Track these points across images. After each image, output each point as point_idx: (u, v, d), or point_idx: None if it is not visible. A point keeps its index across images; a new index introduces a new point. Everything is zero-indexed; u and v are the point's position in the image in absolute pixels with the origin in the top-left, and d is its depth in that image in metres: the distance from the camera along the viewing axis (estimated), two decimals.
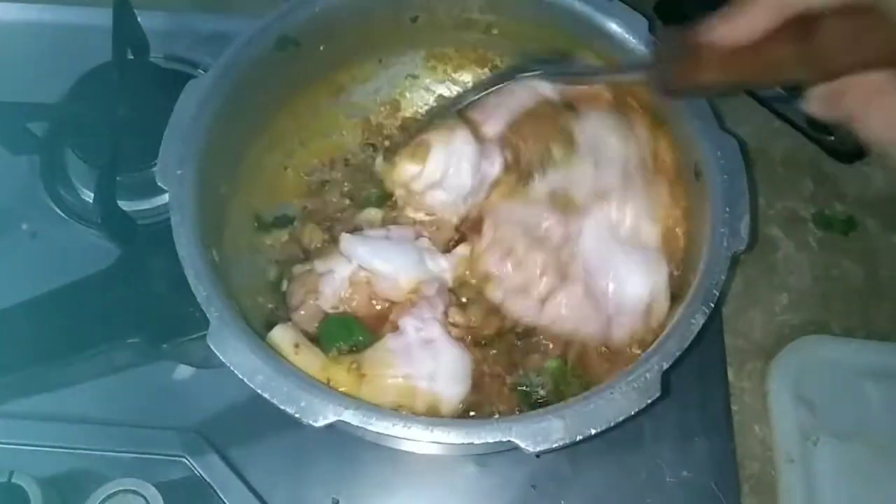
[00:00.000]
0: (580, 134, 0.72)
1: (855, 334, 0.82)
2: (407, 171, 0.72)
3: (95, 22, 0.87)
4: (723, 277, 0.62)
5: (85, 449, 0.70)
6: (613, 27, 0.74)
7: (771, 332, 0.83)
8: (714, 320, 0.64)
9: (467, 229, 0.74)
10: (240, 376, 0.55)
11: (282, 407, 0.54)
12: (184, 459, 0.70)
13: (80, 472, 0.69)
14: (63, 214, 0.82)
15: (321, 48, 0.76)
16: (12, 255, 0.80)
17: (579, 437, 0.54)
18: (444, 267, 0.70)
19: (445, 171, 0.71)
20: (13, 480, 0.64)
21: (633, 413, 0.55)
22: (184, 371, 0.75)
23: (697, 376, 0.77)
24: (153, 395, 0.74)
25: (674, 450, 0.74)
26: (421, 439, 0.54)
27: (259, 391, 0.54)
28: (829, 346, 0.81)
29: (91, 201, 0.80)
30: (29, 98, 0.81)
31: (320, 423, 0.53)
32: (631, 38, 0.73)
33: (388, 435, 0.54)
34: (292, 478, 0.72)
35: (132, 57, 0.86)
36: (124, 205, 0.78)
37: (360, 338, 0.66)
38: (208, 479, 0.69)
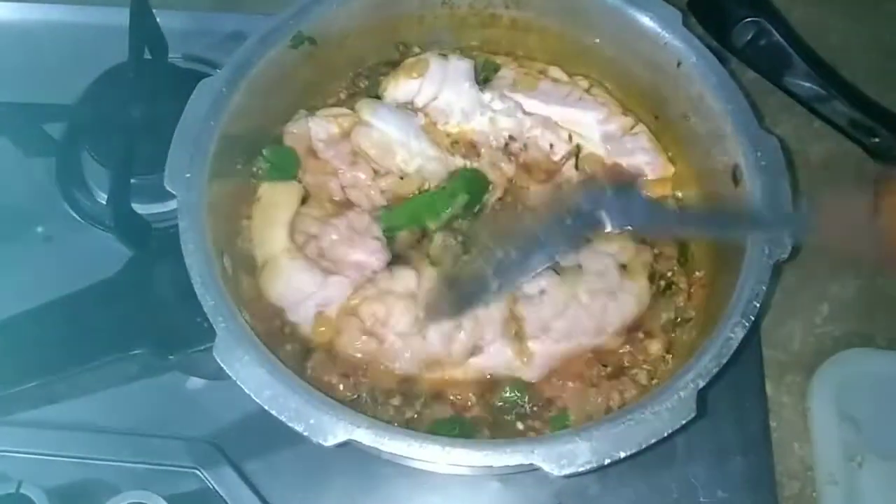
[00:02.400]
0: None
1: None
2: (407, 85, 0.74)
3: (113, 22, 0.85)
4: (764, 288, 0.58)
5: (95, 459, 0.68)
6: (646, 21, 0.70)
7: (811, 344, 0.79)
8: (752, 332, 0.60)
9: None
10: (246, 391, 0.52)
11: (290, 424, 0.51)
12: (196, 471, 0.68)
13: (90, 482, 0.67)
14: (78, 218, 0.80)
15: (339, 46, 0.74)
16: (27, 258, 0.79)
17: (607, 461, 0.51)
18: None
19: (442, 85, 0.73)
20: (21, 491, 0.62)
21: (665, 435, 0.52)
22: (197, 380, 0.73)
23: (734, 390, 0.73)
24: (166, 404, 0.72)
25: (708, 468, 0.71)
26: (437, 460, 0.51)
27: (266, 407, 0.52)
28: (874, 359, 0.77)
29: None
30: (45, 99, 0.80)
31: (330, 442, 0.51)
32: (664, 32, 0.70)
33: (402, 455, 0.51)
34: (308, 492, 0.69)
35: (150, 57, 0.84)
36: (140, 208, 0.76)
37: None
38: (221, 493, 0.67)
